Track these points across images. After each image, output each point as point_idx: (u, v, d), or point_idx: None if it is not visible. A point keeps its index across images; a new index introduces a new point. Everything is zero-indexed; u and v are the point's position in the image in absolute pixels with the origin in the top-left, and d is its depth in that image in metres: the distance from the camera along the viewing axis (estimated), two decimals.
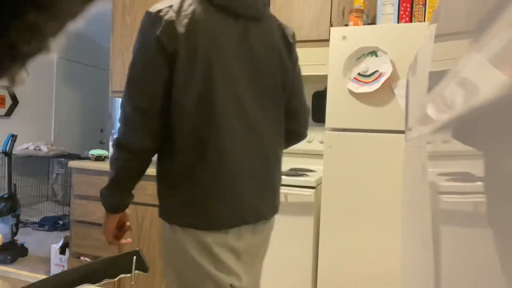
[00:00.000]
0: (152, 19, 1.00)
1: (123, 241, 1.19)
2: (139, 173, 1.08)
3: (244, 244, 1.10)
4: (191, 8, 1.01)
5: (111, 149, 2.32)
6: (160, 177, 1.10)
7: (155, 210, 1.21)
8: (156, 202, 1.12)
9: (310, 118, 1.39)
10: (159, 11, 1.00)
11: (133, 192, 1.12)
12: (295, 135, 1.30)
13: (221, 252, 1.05)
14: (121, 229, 1.18)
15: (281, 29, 1.18)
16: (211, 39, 1.01)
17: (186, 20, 0.99)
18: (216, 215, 1.03)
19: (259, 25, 1.10)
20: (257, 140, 1.10)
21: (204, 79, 1.00)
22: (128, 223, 1.18)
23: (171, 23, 0.98)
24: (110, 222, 1.13)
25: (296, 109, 1.25)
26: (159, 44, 0.98)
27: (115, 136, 1.08)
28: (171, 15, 0.99)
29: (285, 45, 1.17)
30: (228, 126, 1.03)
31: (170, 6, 1.01)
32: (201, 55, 0.99)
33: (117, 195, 1.09)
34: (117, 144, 1.05)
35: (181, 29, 0.98)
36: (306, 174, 2.08)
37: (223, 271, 1.05)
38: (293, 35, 1.23)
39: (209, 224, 1.03)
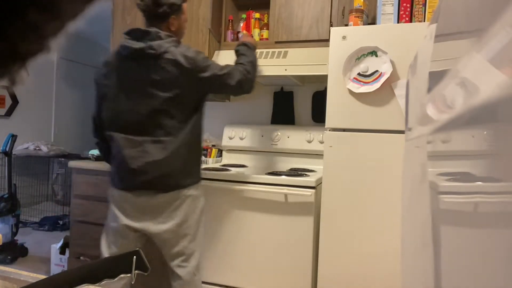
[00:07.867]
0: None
1: None
2: None
3: (142, 201, 1.66)
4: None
5: None
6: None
7: None
8: None
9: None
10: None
11: None
12: (232, 92, 1.98)
13: (121, 201, 1.68)
14: None
15: (174, 60, 1.62)
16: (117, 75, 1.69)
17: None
18: (117, 180, 1.69)
19: (150, 61, 1.62)
20: (141, 139, 1.64)
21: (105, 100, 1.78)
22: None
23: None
24: None
25: (220, 85, 1.72)
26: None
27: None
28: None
29: (179, 67, 1.64)
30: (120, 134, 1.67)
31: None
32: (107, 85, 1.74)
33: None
34: None
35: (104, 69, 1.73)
36: (306, 174, 2.08)
37: (122, 213, 1.68)
38: (187, 57, 1.65)
39: (114, 185, 1.70)
